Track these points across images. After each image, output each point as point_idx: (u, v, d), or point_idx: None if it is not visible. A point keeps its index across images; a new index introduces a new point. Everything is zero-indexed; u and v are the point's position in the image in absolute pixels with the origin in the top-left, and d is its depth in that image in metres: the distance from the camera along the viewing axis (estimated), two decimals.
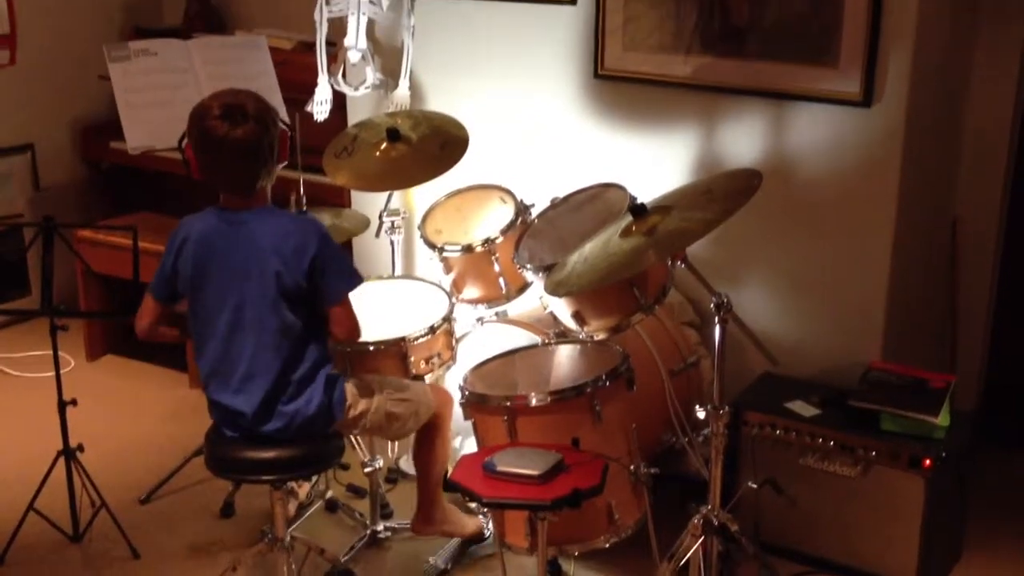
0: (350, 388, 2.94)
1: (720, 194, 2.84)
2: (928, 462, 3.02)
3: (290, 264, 2.76)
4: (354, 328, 2.88)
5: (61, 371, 3.39)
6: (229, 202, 2.85)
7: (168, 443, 4.05)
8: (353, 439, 3.39)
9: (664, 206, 2.86)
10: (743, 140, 3.54)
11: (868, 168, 3.34)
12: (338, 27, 4.02)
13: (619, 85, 3.74)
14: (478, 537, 3.36)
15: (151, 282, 2.93)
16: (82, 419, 3.47)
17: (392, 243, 3.86)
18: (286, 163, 2.96)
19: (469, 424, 3.10)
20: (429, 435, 3.18)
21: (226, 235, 2.80)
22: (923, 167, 3.46)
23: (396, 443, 3.73)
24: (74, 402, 3.39)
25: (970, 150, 3.71)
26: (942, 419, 3.08)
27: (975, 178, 3.73)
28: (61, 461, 3.40)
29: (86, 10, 5.18)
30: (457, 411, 3.13)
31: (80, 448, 3.42)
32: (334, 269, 2.81)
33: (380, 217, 3.84)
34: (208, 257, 2.81)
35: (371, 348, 3.16)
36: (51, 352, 3.36)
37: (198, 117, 2.76)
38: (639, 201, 2.93)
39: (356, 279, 2.86)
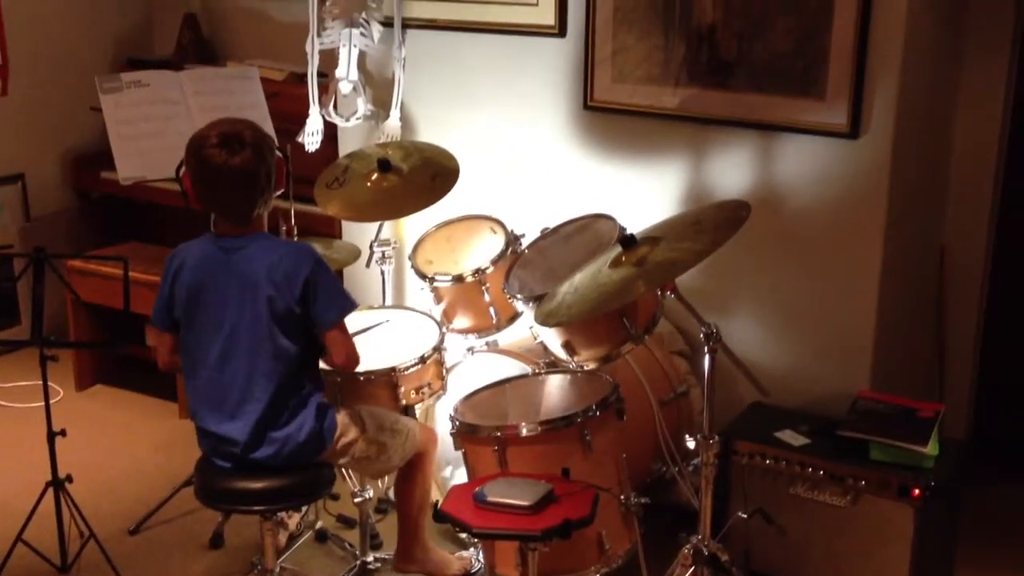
0: (341, 417, 2.94)
1: (709, 225, 2.86)
2: (917, 491, 3.02)
3: (282, 289, 2.77)
4: (351, 354, 2.88)
5: (50, 401, 3.38)
6: (225, 229, 2.86)
7: (157, 473, 4.03)
8: (343, 470, 3.39)
9: (653, 237, 2.88)
10: (732, 171, 3.57)
11: (856, 199, 3.37)
12: (329, 59, 4.05)
13: (608, 116, 3.76)
14: None
15: (153, 315, 2.93)
16: (71, 449, 3.46)
17: (383, 273, 3.87)
18: (283, 191, 2.97)
19: (460, 454, 3.10)
20: (411, 472, 3.18)
21: (220, 261, 2.81)
22: (910, 197, 3.49)
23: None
24: (63, 432, 3.38)
25: (957, 179, 3.75)
26: (931, 448, 3.09)
27: (962, 207, 3.76)
28: (50, 492, 3.39)
29: (78, 41, 5.20)
30: (448, 441, 3.14)
31: (69, 479, 3.41)
32: (327, 293, 2.82)
33: (371, 247, 3.85)
34: (202, 283, 2.82)
35: (361, 378, 3.16)
36: (41, 382, 3.36)
37: (196, 146, 2.78)
38: (629, 232, 2.94)
39: (350, 304, 2.87)
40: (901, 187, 3.37)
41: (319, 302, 2.80)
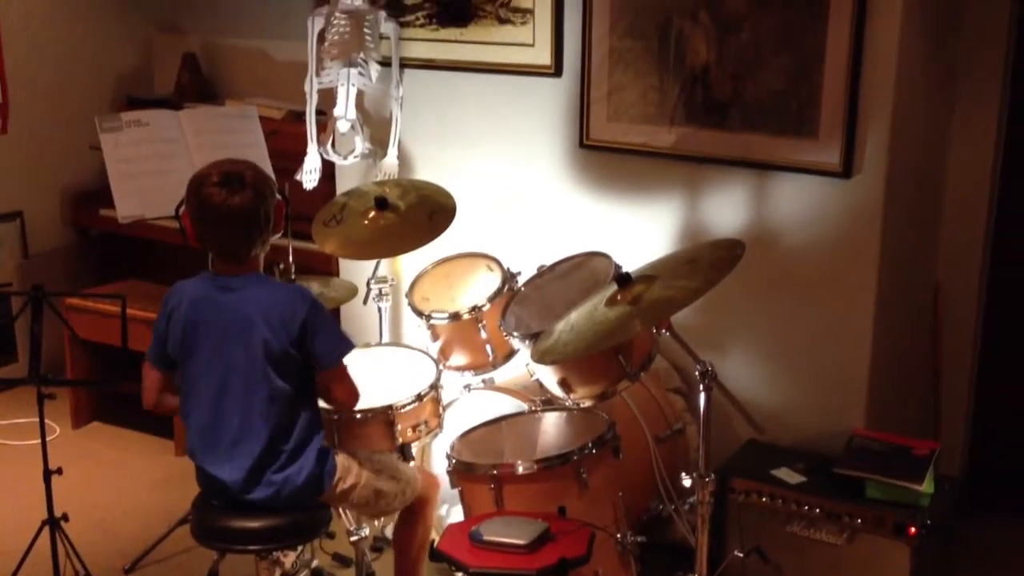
0: (341, 461, 2.93)
1: (704, 263, 2.88)
2: (913, 529, 3.03)
3: (277, 331, 2.77)
4: (352, 391, 2.89)
5: (47, 438, 3.38)
6: (222, 268, 2.87)
7: (154, 511, 4.02)
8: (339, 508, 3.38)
9: (649, 275, 2.90)
10: (726, 210, 3.59)
11: (849, 237, 3.39)
12: (328, 97, 4.09)
13: (604, 155, 3.79)
14: None
15: (149, 351, 2.93)
16: (67, 487, 3.45)
17: (380, 310, 3.88)
18: (281, 233, 2.99)
19: (456, 492, 3.10)
20: (412, 516, 3.17)
21: (216, 301, 2.82)
22: (903, 235, 3.51)
23: None
24: (59, 471, 3.37)
25: (950, 217, 3.77)
26: (926, 486, 3.09)
27: (956, 244, 3.78)
28: (46, 530, 3.37)
29: (78, 80, 5.24)
30: (445, 479, 3.14)
31: (65, 517, 3.39)
32: (325, 334, 2.82)
33: (368, 285, 3.86)
34: (197, 322, 2.83)
35: (358, 416, 3.17)
36: (37, 420, 3.36)
37: (197, 184, 2.79)
38: (624, 270, 2.96)
39: (347, 344, 2.87)
40: (894, 225, 3.40)
41: (317, 344, 2.80)
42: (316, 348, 2.80)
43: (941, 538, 3.14)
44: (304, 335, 2.78)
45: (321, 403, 2.96)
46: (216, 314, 2.81)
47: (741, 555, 3.19)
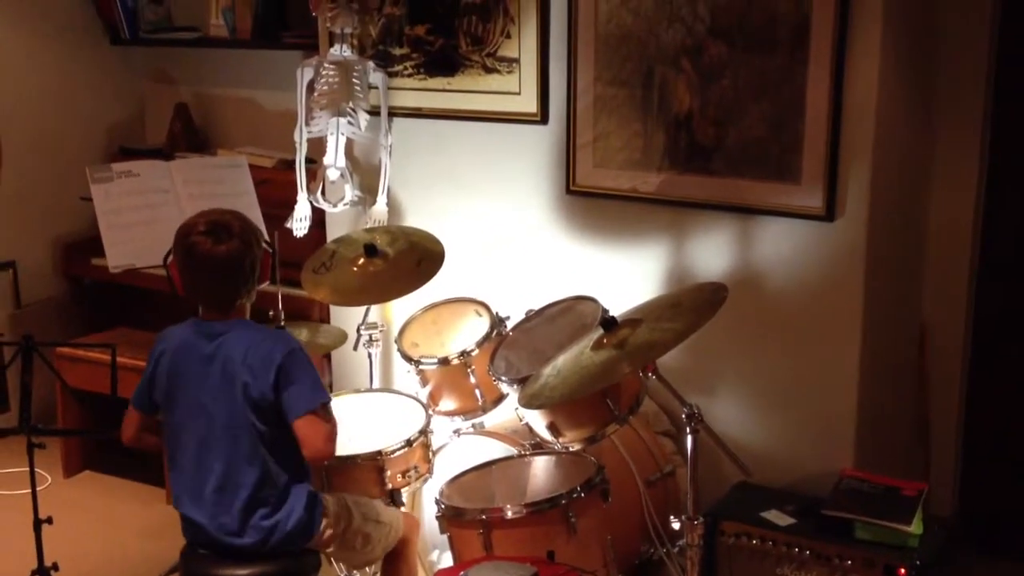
0: (330, 506, 2.94)
1: (689, 306, 2.91)
2: (903, 571, 3.03)
3: (258, 375, 2.77)
4: (320, 447, 2.78)
5: (37, 488, 3.37)
6: (208, 316, 2.89)
7: (144, 560, 4.01)
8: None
9: (634, 319, 2.92)
10: (711, 253, 3.63)
11: (833, 279, 3.42)
12: (318, 146, 4.13)
13: (590, 200, 3.83)
14: None
15: (134, 394, 2.97)
16: (58, 537, 3.44)
17: (370, 356, 3.90)
18: (267, 283, 3.01)
19: (445, 538, 3.10)
20: (395, 561, 3.18)
21: (200, 348, 2.84)
22: (888, 276, 3.54)
23: None
24: (50, 520, 3.36)
25: (934, 257, 3.80)
26: (915, 527, 3.10)
27: (941, 283, 3.80)
28: None
29: (70, 130, 5.28)
30: (434, 524, 3.14)
31: (55, 567, 3.38)
32: (298, 382, 2.77)
33: (358, 330, 3.89)
34: (182, 368, 2.85)
35: (348, 461, 3.17)
36: (27, 469, 3.35)
37: (183, 234, 2.82)
38: (610, 314, 2.99)
39: (320, 395, 2.80)
40: (878, 267, 3.43)
41: (289, 391, 2.77)
42: (286, 396, 2.77)
43: None
44: (278, 381, 2.76)
45: None
46: (197, 361, 2.83)
47: None
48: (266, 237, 2.97)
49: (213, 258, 2.78)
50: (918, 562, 3.04)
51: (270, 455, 2.82)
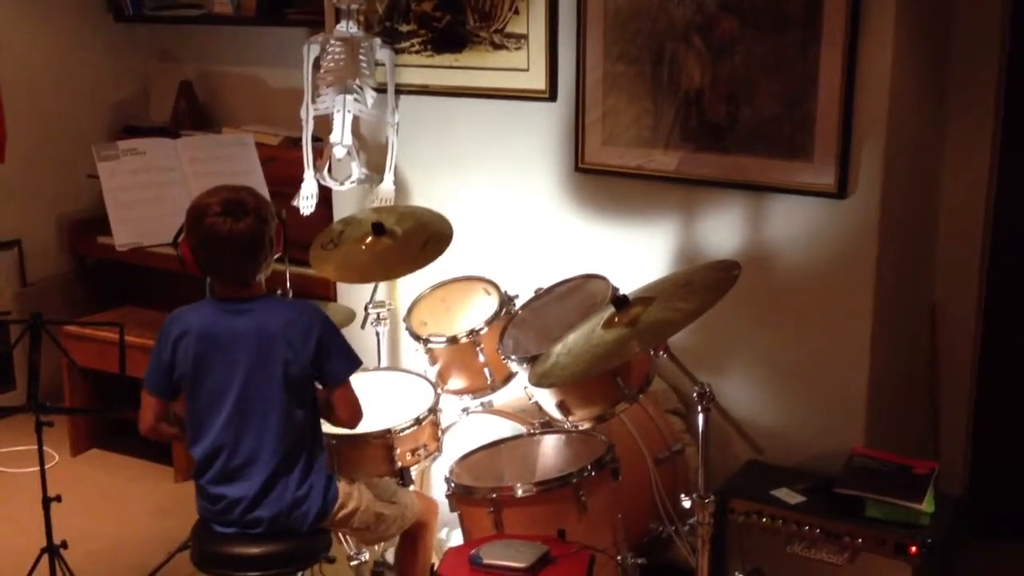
0: (342, 486, 2.94)
1: (700, 285, 2.89)
2: (914, 549, 3.02)
3: (298, 350, 2.79)
4: (357, 411, 2.91)
5: (46, 466, 3.38)
6: (226, 293, 2.87)
7: (153, 538, 4.01)
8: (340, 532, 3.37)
9: (646, 297, 2.90)
10: (722, 231, 3.61)
11: (845, 258, 3.41)
12: (324, 124, 4.11)
13: (599, 178, 3.81)
14: None
15: (146, 379, 2.92)
16: (66, 515, 3.45)
17: (378, 335, 3.89)
18: (280, 255, 3.01)
19: (456, 516, 3.10)
20: (412, 541, 3.17)
21: (230, 324, 2.82)
22: (900, 255, 3.52)
23: None
24: (58, 498, 3.37)
25: (946, 236, 3.79)
26: (927, 505, 3.09)
27: (952, 263, 3.79)
28: (45, 558, 3.37)
29: (76, 109, 5.27)
30: (444, 502, 3.14)
31: (64, 544, 3.39)
32: (337, 351, 2.85)
33: (366, 309, 3.87)
34: (210, 348, 2.83)
35: (357, 440, 3.17)
36: (36, 447, 3.35)
37: (198, 215, 2.79)
38: (621, 292, 2.97)
39: (357, 362, 2.90)
40: (890, 245, 3.41)
41: (331, 361, 2.83)
42: (328, 365, 2.83)
43: (942, 557, 3.14)
44: (319, 352, 2.80)
45: (324, 425, 2.97)
46: (229, 338, 2.82)
47: None
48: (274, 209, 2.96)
49: (234, 237, 2.76)
50: (929, 540, 3.04)
51: (295, 432, 2.84)
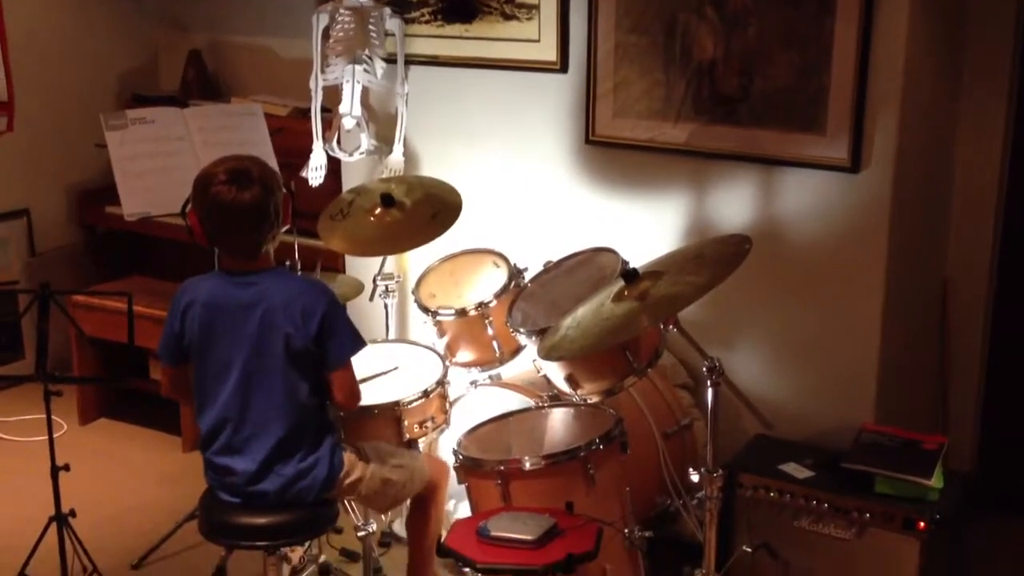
0: (348, 456, 2.94)
1: (711, 259, 2.88)
2: (923, 524, 3.02)
3: (299, 326, 2.78)
4: (354, 394, 2.90)
5: (54, 435, 3.38)
6: (233, 265, 2.87)
7: (161, 507, 4.03)
8: (347, 502, 3.38)
9: (656, 271, 2.89)
10: (733, 205, 3.58)
11: (857, 232, 3.38)
12: (333, 94, 4.09)
13: (610, 151, 3.79)
14: None
15: (159, 350, 2.94)
16: (74, 484, 3.45)
17: (386, 307, 3.89)
18: (288, 227, 2.99)
19: (463, 488, 3.10)
20: (423, 504, 3.18)
21: (234, 296, 2.82)
22: (912, 230, 3.50)
23: None
24: (67, 467, 3.38)
25: (959, 211, 3.76)
26: (935, 481, 3.08)
27: (965, 239, 3.77)
28: (53, 526, 3.38)
29: (84, 78, 5.25)
30: (452, 474, 3.14)
31: (72, 513, 3.40)
32: (341, 332, 2.83)
33: (374, 281, 3.87)
34: (216, 318, 2.83)
35: (365, 412, 3.17)
36: (44, 416, 3.36)
37: (204, 183, 2.79)
38: (631, 266, 2.96)
39: (360, 343, 2.89)
40: (902, 220, 3.39)
41: (333, 341, 2.82)
42: (330, 345, 2.82)
43: (950, 533, 3.13)
44: (322, 331, 2.79)
45: None
46: (234, 310, 2.81)
47: (749, 550, 3.19)
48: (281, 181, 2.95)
49: (238, 206, 2.75)
50: (938, 516, 3.03)
51: (300, 405, 2.83)
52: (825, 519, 3.16)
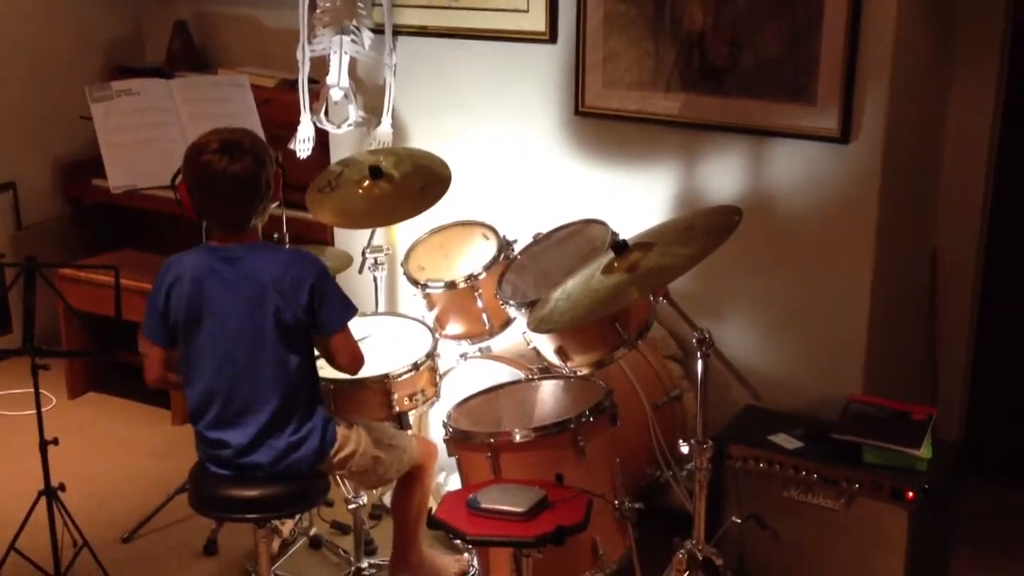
0: (340, 430, 2.94)
1: (701, 230, 2.87)
2: (911, 494, 3.03)
3: (288, 298, 2.77)
4: (357, 355, 2.89)
5: (42, 409, 3.37)
6: (220, 239, 2.85)
7: (151, 481, 4.03)
8: (336, 476, 3.38)
9: (646, 242, 2.88)
10: (723, 176, 3.57)
11: (847, 203, 3.38)
12: (320, 65, 4.05)
13: (599, 122, 3.77)
14: None
15: (144, 329, 2.90)
16: (64, 458, 3.44)
17: (375, 280, 3.87)
18: (279, 203, 2.97)
19: (453, 461, 3.10)
20: (409, 483, 3.18)
21: (220, 272, 2.80)
22: (902, 200, 3.50)
23: None
24: (55, 441, 3.36)
25: (949, 182, 3.76)
26: (924, 451, 3.10)
27: (954, 209, 3.77)
28: (42, 501, 3.37)
29: (68, 50, 5.19)
30: (442, 447, 3.14)
31: (61, 487, 3.39)
32: (332, 299, 2.82)
33: (363, 254, 3.85)
34: (202, 294, 2.81)
35: (355, 385, 3.16)
36: (32, 390, 3.34)
37: (195, 153, 2.77)
38: (621, 238, 2.95)
39: (352, 309, 2.88)
40: (892, 191, 3.38)
41: (325, 308, 2.81)
42: (323, 314, 2.81)
43: (939, 503, 3.14)
44: (312, 301, 2.78)
45: (327, 369, 2.96)
46: (221, 285, 2.80)
47: (739, 521, 3.20)
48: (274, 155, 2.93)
49: (228, 177, 2.73)
50: (926, 486, 3.05)
51: (290, 378, 2.83)
52: (814, 489, 3.17)
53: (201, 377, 2.85)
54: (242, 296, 2.78)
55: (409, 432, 3.28)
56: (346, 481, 3.39)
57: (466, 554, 3.38)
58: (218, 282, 2.80)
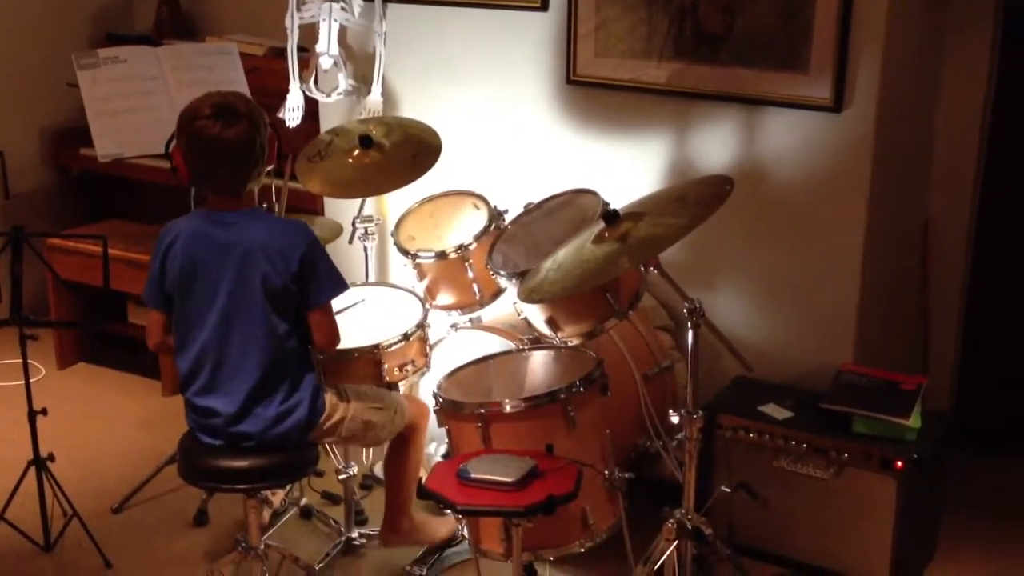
0: (328, 397, 2.93)
1: (692, 200, 2.86)
2: (900, 464, 3.04)
3: (277, 266, 2.76)
4: (334, 335, 2.89)
5: (31, 380, 3.36)
6: (216, 204, 2.84)
7: (140, 451, 4.02)
8: (328, 446, 3.38)
9: (637, 212, 2.87)
10: (715, 145, 3.56)
11: (839, 172, 3.37)
12: (310, 33, 4.02)
13: (591, 91, 3.74)
14: (451, 540, 3.36)
15: (145, 294, 2.91)
16: (53, 428, 3.44)
17: (365, 249, 3.86)
18: (272, 167, 2.95)
19: (444, 431, 3.10)
20: (402, 445, 3.18)
21: (213, 237, 2.80)
22: (894, 170, 3.48)
23: (371, 449, 3.72)
24: (44, 411, 3.36)
25: (941, 152, 3.75)
26: (913, 421, 3.10)
27: (947, 180, 3.76)
28: (32, 471, 3.37)
29: (55, 17, 5.14)
30: (432, 417, 3.13)
31: (51, 457, 3.39)
32: (321, 273, 2.82)
33: (353, 224, 3.83)
34: (195, 259, 2.80)
35: (345, 355, 3.15)
36: (20, 360, 3.33)
37: (189, 118, 2.75)
38: (612, 207, 2.93)
39: (341, 285, 2.87)
40: (885, 160, 3.37)
41: (313, 281, 2.80)
42: (309, 286, 2.80)
43: (928, 472, 3.16)
44: (301, 272, 2.77)
45: None
46: (213, 250, 2.79)
47: (728, 490, 3.21)
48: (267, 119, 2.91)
49: (223, 142, 2.72)
50: (915, 456, 3.06)
51: (280, 346, 2.82)
52: (804, 459, 3.18)
53: (193, 341, 2.84)
54: (233, 261, 2.77)
55: (400, 392, 3.27)
56: (336, 451, 3.39)
57: (456, 522, 3.39)
58: (210, 247, 2.79)
